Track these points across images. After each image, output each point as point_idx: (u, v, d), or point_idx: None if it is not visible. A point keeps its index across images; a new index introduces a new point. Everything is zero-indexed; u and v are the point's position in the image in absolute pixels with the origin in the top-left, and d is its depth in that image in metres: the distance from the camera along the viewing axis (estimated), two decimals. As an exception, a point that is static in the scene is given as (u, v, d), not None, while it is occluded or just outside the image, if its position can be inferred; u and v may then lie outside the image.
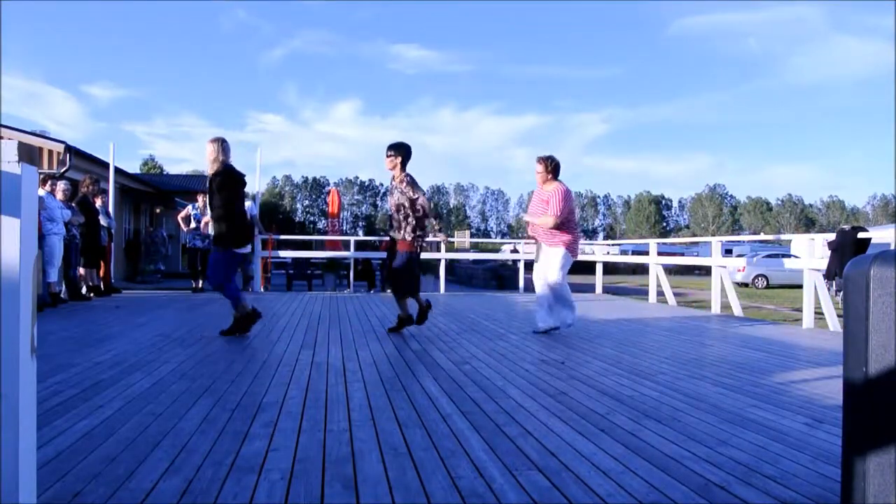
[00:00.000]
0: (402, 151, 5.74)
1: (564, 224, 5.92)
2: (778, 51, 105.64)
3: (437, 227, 6.21)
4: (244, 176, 5.67)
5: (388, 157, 5.74)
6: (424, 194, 5.78)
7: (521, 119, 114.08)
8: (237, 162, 5.65)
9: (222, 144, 5.43)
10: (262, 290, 11.72)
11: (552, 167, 5.99)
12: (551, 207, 5.86)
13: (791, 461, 2.38)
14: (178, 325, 6.35)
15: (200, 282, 11.17)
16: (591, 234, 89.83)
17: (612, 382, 3.80)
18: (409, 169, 5.83)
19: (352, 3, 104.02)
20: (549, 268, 5.99)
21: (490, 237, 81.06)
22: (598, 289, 12.66)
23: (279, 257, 13.99)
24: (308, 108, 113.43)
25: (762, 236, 19.15)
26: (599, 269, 12.90)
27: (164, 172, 58.65)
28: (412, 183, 5.69)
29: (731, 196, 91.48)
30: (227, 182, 5.39)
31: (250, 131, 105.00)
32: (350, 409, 3.09)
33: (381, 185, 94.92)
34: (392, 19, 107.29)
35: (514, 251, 22.41)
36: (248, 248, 5.76)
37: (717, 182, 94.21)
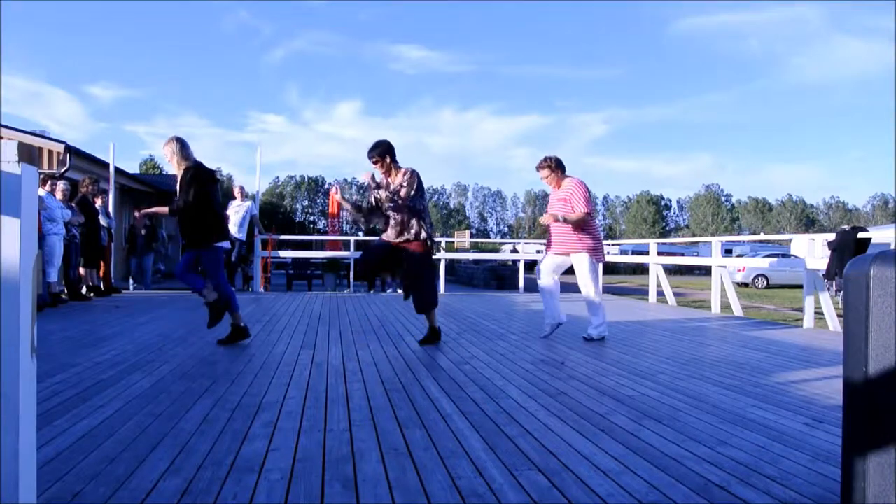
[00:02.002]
0: (383, 149, 5.11)
1: (587, 223, 5.56)
2: (779, 51, 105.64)
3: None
4: (214, 172, 5.32)
5: (374, 162, 5.11)
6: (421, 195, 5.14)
7: (522, 119, 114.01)
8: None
9: (180, 143, 5.07)
10: (262, 290, 11.72)
11: (556, 164, 5.64)
12: (576, 204, 5.47)
13: (791, 461, 2.38)
14: (178, 325, 6.35)
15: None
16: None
17: (612, 382, 3.80)
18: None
19: (354, 3, 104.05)
20: (582, 280, 5.60)
21: (490, 237, 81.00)
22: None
23: (279, 257, 13.99)
24: (309, 109, 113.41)
25: (762, 236, 19.11)
26: (599, 269, 12.90)
27: (163, 172, 58.65)
28: (417, 177, 5.09)
29: (728, 195, 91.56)
30: (201, 176, 5.06)
31: (251, 131, 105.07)
32: (350, 409, 3.09)
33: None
34: (393, 20, 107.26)
35: (514, 251, 22.43)
36: (227, 244, 5.61)
37: (714, 182, 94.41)
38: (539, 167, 5.72)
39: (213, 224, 5.12)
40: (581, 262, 5.60)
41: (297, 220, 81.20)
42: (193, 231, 5.07)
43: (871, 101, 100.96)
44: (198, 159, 5.17)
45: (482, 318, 7.48)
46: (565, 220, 5.49)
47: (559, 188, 5.67)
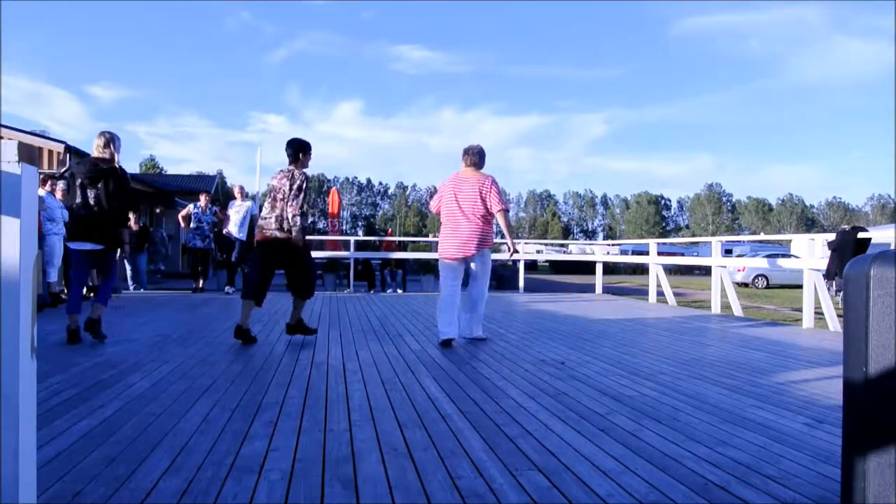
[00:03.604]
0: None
1: (441, 220, 5.41)
2: (779, 51, 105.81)
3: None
4: (96, 165, 5.05)
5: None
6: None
7: (523, 119, 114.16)
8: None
9: (109, 137, 5.16)
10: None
11: (468, 152, 5.42)
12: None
13: (791, 461, 2.38)
14: (178, 325, 6.36)
15: (201, 282, 11.19)
16: (590, 235, 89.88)
17: (612, 382, 3.80)
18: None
19: (355, 4, 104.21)
20: None
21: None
22: (599, 289, 12.66)
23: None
24: (310, 109, 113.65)
25: (762, 236, 19.06)
26: (599, 269, 12.91)
27: (162, 172, 58.70)
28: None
29: (729, 195, 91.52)
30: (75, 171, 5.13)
31: (252, 131, 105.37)
32: (350, 409, 3.09)
33: (381, 184, 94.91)
34: (394, 20, 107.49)
35: (515, 251, 22.40)
36: (84, 245, 5.13)
37: (715, 181, 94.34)
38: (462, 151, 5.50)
39: (71, 223, 5.28)
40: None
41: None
42: None
43: (871, 102, 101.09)
44: (97, 156, 5.14)
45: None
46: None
47: None
